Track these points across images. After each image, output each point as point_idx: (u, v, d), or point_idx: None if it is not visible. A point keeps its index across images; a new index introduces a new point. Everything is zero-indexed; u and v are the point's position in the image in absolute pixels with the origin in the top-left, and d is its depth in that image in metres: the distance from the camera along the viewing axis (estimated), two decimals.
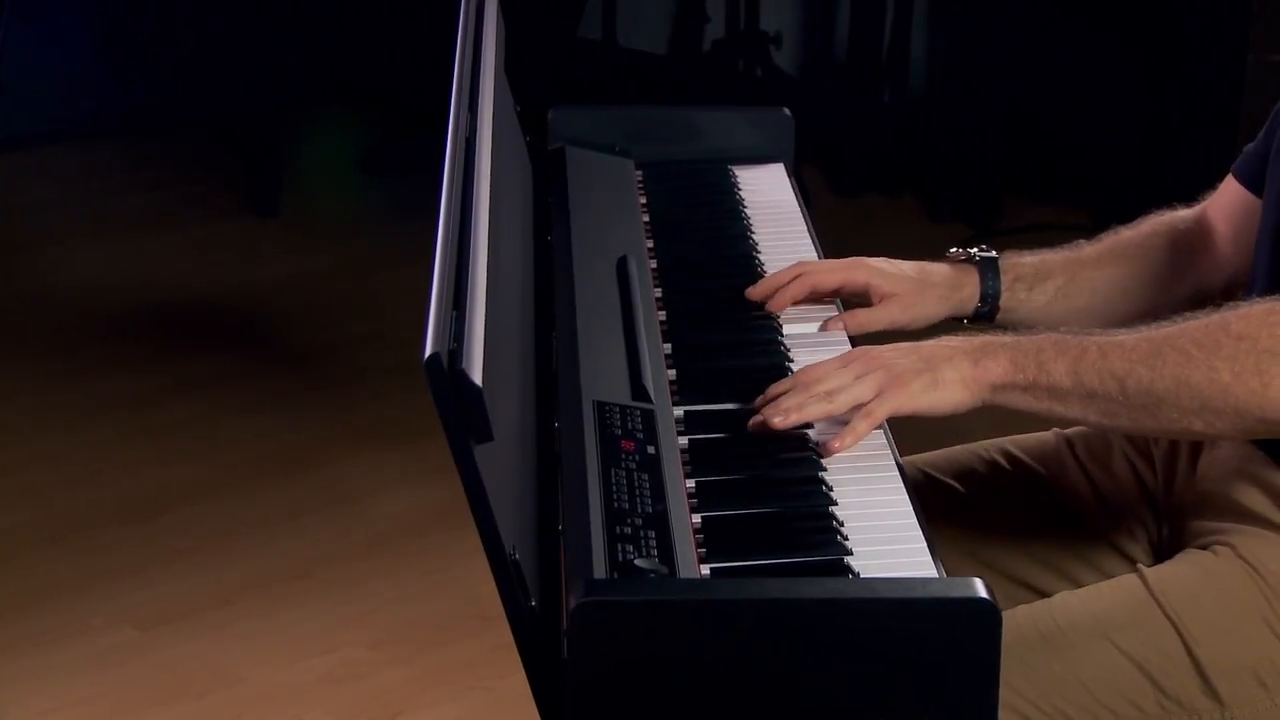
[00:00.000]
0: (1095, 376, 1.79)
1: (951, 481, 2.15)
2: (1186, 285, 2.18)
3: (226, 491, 3.82)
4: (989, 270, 2.14)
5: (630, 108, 2.65)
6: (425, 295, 1.56)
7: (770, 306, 2.11)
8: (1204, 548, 1.94)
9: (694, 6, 5.85)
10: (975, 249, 2.17)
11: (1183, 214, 2.23)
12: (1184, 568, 1.91)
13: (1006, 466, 2.16)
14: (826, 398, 1.84)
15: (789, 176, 2.55)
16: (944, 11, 5.37)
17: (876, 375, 1.84)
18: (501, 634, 3.25)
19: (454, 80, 2.05)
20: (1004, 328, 1.98)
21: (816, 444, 1.82)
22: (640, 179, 2.52)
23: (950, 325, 2.13)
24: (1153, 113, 5.06)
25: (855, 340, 2.06)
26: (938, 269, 2.14)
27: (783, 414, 1.83)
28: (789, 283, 2.12)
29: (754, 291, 2.13)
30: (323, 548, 3.61)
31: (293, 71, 5.56)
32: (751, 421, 1.85)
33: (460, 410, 1.47)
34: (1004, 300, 2.14)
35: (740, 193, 2.49)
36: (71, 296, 4.75)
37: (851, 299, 2.16)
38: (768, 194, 2.50)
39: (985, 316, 2.15)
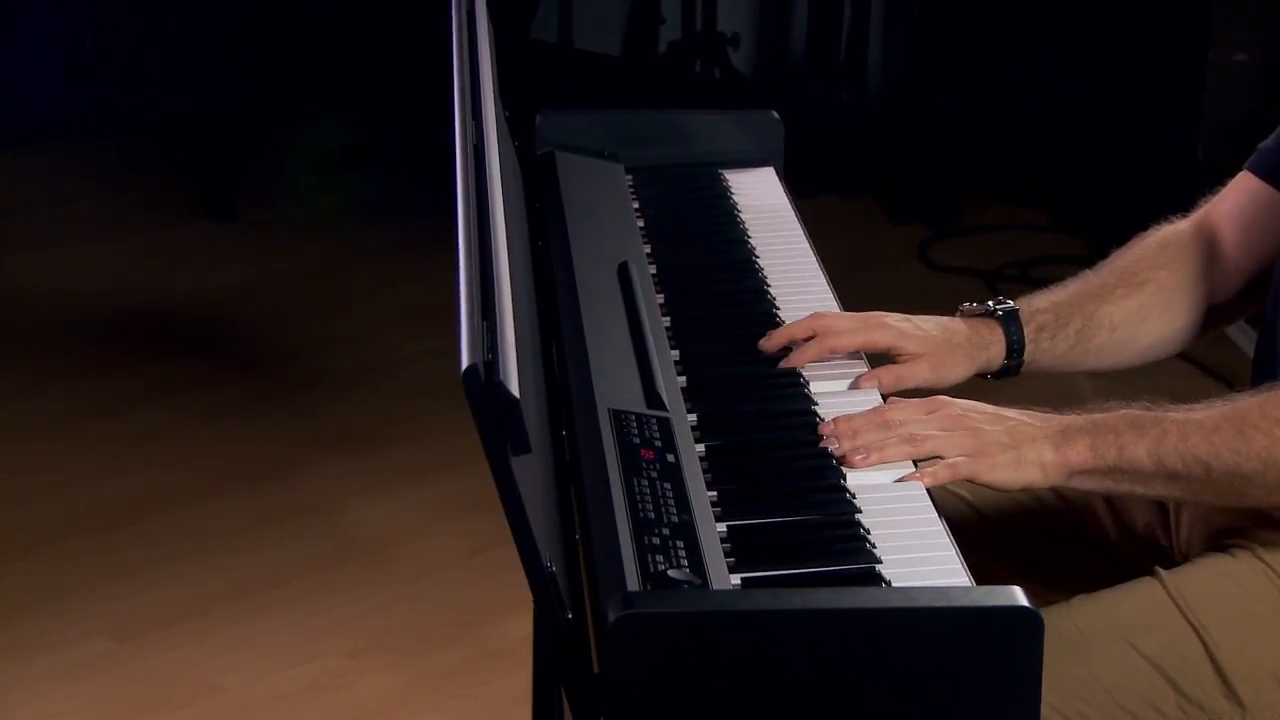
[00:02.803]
0: (1178, 459, 1.80)
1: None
2: (1201, 301, 2.15)
3: (197, 499, 3.79)
4: (1012, 324, 2.08)
5: (619, 111, 2.63)
6: (454, 306, 1.54)
7: (785, 364, 2.01)
8: (1222, 549, 1.94)
9: (650, 7, 5.83)
10: (992, 302, 2.10)
11: (1179, 227, 2.18)
12: (1203, 570, 1.91)
13: None
14: (910, 441, 1.82)
15: (780, 180, 2.55)
16: (902, 12, 5.37)
17: (965, 437, 1.82)
18: (483, 641, 3.28)
19: (454, 85, 2.03)
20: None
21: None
22: (631, 183, 2.50)
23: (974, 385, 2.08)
24: (1114, 112, 5.07)
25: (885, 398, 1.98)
26: (960, 326, 2.07)
27: (863, 453, 1.81)
28: (805, 341, 2.03)
29: (768, 344, 2.03)
30: (297, 555, 3.58)
31: (249, 75, 5.51)
32: (832, 449, 1.82)
33: (498, 422, 1.45)
34: (1028, 353, 2.09)
35: (733, 197, 2.47)
36: (31, 303, 4.70)
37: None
38: (760, 198, 2.49)
39: (1011, 371, 2.10)
